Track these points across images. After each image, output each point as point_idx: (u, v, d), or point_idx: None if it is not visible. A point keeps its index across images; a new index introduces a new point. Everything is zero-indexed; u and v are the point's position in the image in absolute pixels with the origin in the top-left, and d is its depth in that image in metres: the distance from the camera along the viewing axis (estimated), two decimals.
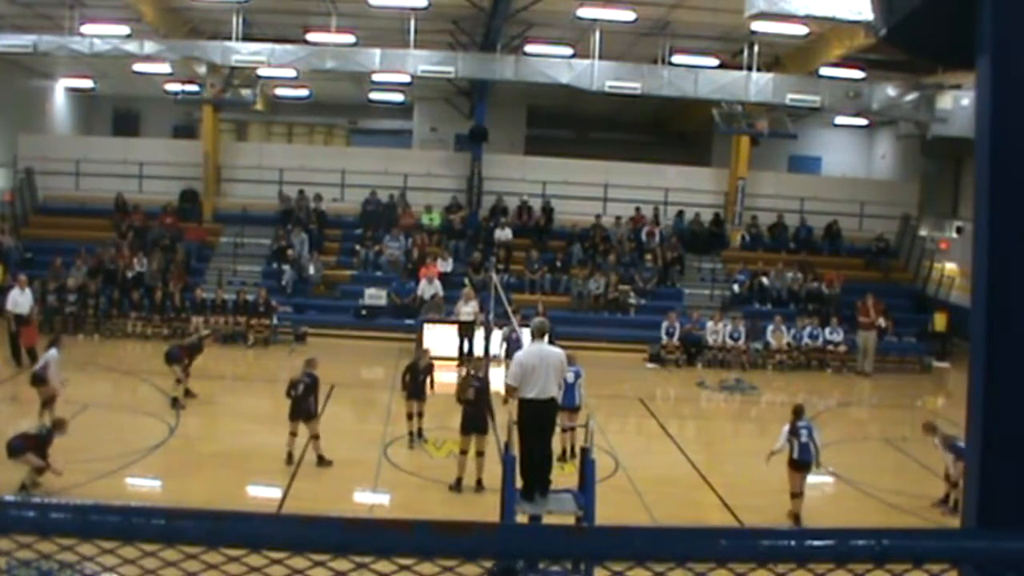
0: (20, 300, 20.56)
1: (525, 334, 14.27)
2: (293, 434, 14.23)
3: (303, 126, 38.61)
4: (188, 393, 17.73)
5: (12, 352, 19.99)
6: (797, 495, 12.84)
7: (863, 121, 32.19)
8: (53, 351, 15.67)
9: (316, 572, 1.70)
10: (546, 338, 10.44)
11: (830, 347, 24.52)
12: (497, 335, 21.47)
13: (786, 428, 12.94)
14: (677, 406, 21.64)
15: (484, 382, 13.93)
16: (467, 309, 22.82)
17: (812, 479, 16.10)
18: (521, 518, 9.55)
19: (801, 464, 12.81)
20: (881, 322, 24.72)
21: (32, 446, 12.42)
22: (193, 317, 23.58)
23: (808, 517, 12.76)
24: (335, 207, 28.94)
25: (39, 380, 15.31)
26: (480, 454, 13.42)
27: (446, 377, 22.50)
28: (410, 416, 15.60)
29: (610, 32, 24.23)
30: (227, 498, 12.35)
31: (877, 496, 14.07)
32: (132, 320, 24.35)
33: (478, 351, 22.20)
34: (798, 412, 13.07)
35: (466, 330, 22.77)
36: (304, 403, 14.31)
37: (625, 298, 26.25)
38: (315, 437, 14.42)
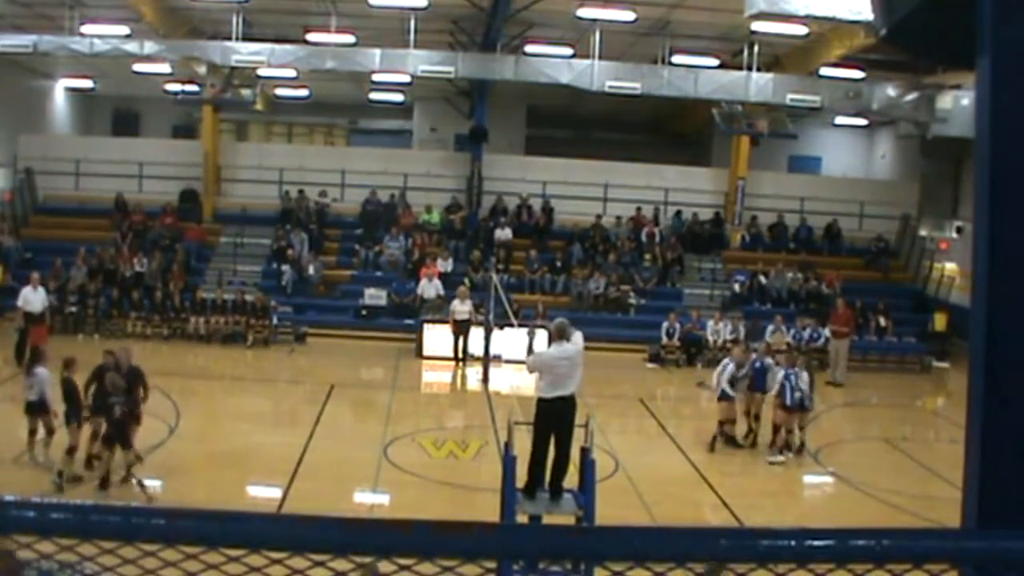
0: (32, 298, 20.50)
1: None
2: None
3: (303, 126, 38.64)
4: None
5: (17, 351, 19.89)
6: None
7: (863, 121, 32.19)
8: (43, 370, 13.41)
9: (316, 572, 1.70)
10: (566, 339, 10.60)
11: (830, 347, 24.47)
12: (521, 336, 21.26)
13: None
14: (677, 406, 21.62)
15: None
16: (462, 308, 22.81)
17: (813, 479, 16.14)
18: (521, 518, 9.54)
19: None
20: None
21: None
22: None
23: (808, 517, 12.77)
24: (335, 207, 28.93)
25: (38, 408, 13.22)
26: None
27: (441, 377, 22.66)
28: None
29: (610, 32, 24.23)
30: (227, 498, 12.35)
31: (877, 496, 14.06)
32: (132, 320, 24.31)
33: (476, 350, 22.17)
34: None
35: (461, 329, 22.77)
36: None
37: (625, 298, 26.24)
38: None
